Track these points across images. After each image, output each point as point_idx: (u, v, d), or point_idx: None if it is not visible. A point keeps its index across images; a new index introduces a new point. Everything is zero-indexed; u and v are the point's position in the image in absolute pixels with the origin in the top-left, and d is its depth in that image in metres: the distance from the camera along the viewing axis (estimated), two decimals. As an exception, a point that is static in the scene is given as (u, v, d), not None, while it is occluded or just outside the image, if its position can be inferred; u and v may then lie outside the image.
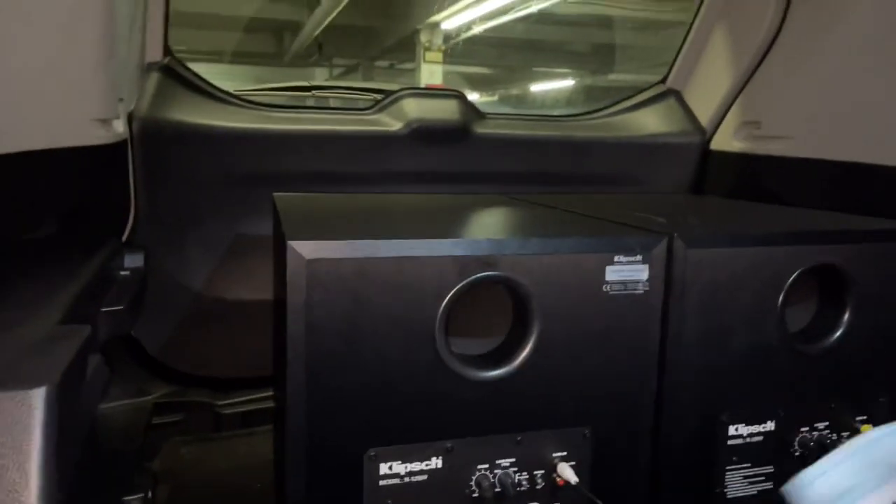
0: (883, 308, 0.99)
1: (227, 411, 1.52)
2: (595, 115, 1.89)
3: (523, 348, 0.85)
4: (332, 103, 1.83)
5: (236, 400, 1.54)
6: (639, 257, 0.87)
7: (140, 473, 1.16)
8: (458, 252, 0.81)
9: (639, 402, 0.91)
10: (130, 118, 1.35)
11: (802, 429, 0.98)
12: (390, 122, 1.64)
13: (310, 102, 1.79)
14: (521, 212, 1.19)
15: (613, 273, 0.86)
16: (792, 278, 0.93)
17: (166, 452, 1.39)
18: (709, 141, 1.77)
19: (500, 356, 0.86)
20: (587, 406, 0.89)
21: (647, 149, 1.79)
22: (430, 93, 1.71)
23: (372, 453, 0.82)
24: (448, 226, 0.98)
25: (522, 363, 0.85)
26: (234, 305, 1.52)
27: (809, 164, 1.51)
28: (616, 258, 0.86)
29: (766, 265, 0.93)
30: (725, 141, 1.72)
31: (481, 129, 1.69)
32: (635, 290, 0.87)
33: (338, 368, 0.79)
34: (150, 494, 1.12)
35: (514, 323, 0.88)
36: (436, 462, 0.84)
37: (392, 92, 1.70)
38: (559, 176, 1.79)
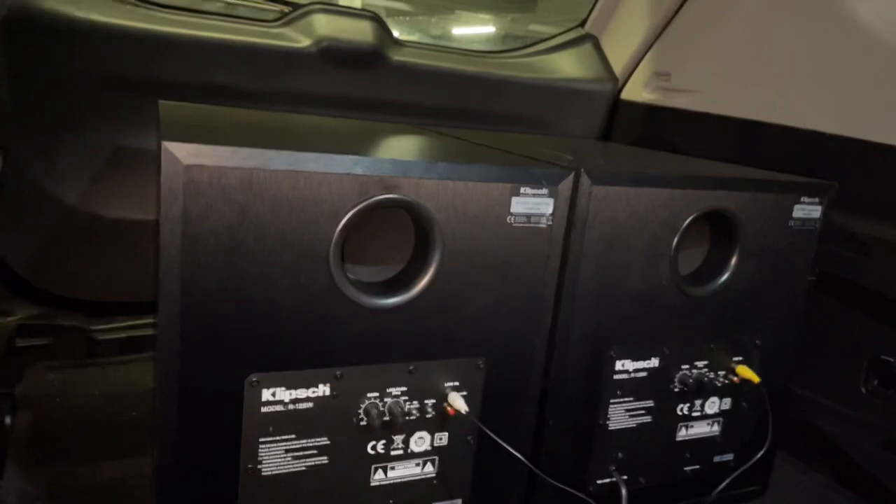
0: (766, 256, 1.04)
1: (103, 337, 1.41)
2: (513, 53, 1.84)
3: (422, 277, 0.82)
4: (234, 12, 1.68)
5: (114, 325, 1.43)
6: (545, 190, 0.85)
7: (-4, 398, 1.05)
8: (359, 171, 0.75)
9: (533, 334, 0.91)
10: (-9, 0, 1.17)
11: (683, 366, 1.03)
12: (297, 38, 1.52)
13: (208, 8, 1.63)
14: (429, 140, 1.14)
15: (518, 205, 0.84)
16: (688, 221, 0.95)
17: (30, 377, 1.27)
18: (620, 90, 1.78)
19: (397, 284, 0.83)
20: (482, 337, 0.88)
21: (560, 93, 1.78)
22: (344, 10, 1.60)
23: (254, 379, 0.77)
24: (350, 144, 0.92)
25: (420, 292, 0.82)
26: (114, 224, 1.39)
27: (712, 119, 1.55)
28: (522, 189, 0.84)
29: (664, 207, 0.94)
30: (636, 91, 1.74)
31: (396, 56, 1.61)
32: (538, 223, 0.86)
33: (218, 287, 0.72)
34: (7, 420, 1.02)
35: (414, 250, 0.84)
36: (323, 389, 0.81)
37: (301, 5, 1.57)
38: (471, 112, 1.75)
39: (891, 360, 1.17)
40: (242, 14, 1.62)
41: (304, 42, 1.51)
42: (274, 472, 0.80)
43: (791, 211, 1.03)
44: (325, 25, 1.54)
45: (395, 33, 1.66)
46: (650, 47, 1.68)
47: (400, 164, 0.78)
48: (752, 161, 1.42)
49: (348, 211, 0.76)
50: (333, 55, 1.53)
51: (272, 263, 0.74)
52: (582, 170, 0.87)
